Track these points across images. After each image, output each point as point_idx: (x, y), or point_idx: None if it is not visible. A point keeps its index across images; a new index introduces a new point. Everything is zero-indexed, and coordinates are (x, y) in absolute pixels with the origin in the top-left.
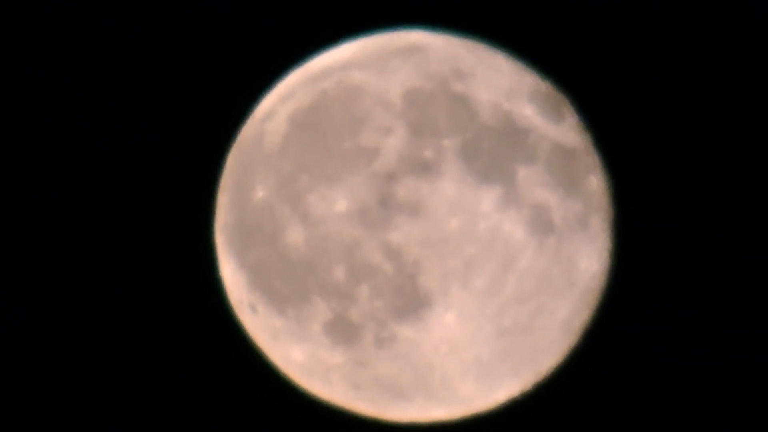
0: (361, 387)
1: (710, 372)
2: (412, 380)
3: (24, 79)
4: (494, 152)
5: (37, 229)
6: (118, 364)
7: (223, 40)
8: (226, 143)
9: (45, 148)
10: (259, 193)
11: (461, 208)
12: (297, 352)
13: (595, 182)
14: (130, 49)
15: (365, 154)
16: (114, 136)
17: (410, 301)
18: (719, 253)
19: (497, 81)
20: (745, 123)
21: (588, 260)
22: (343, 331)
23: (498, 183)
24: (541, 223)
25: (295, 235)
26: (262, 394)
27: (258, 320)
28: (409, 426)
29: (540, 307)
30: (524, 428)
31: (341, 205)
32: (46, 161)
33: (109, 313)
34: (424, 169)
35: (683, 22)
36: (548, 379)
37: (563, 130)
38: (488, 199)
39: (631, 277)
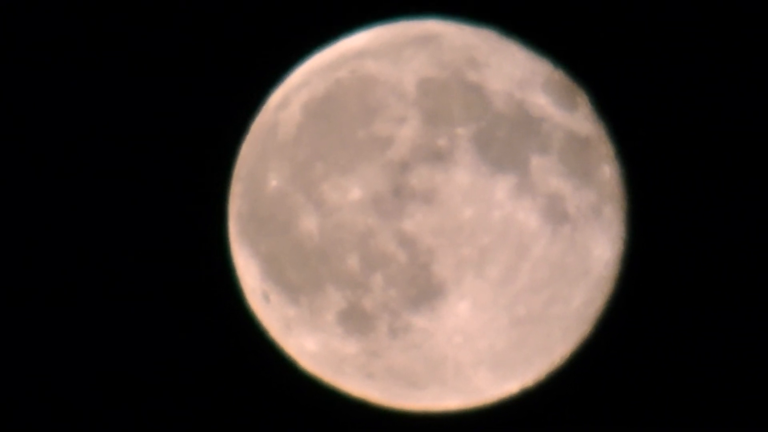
0: (375, 377)
1: (723, 360)
2: (425, 370)
3: (44, 76)
4: (508, 141)
5: (50, 218)
6: (129, 354)
7: (237, 29)
8: (241, 132)
9: (61, 140)
10: (273, 182)
11: (475, 197)
12: (310, 342)
13: (609, 171)
14: (143, 41)
15: (379, 143)
16: (129, 125)
17: (424, 290)
18: (732, 241)
19: (511, 70)
20: (760, 114)
21: (602, 249)
22: (356, 321)
23: (512, 172)
24: (555, 212)
25: (308, 224)
26: (275, 384)
27: (271, 309)
28: (422, 415)
29: (554, 296)
30: (538, 417)
31: (355, 193)
32: (63, 151)
33: (122, 302)
34: (438, 158)
35: (698, 11)
36: (562, 369)
37: (577, 119)
38: (502, 188)
39: (644, 266)
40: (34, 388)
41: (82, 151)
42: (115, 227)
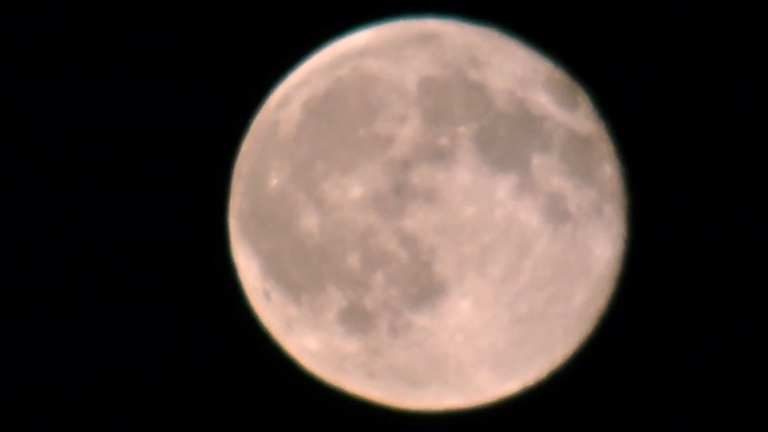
0: (376, 375)
1: (723, 360)
2: (426, 369)
3: (52, 77)
4: (509, 140)
5: (50, 218)
6: (129, 354)
7: (237, 29)
8: (241, 131)
9: (61, 140)
10: (274, 181)
11: (477, 195)
12: (312, 341)
13: (610, 170)
14: (143, 41)
15: (380, 141)
16: (129, 125)
17: (425, 288)
18: (733, 241)
19: (512, 69)
20: (761, 113)
21: (603, 247)
22: (357, 319)
23: (513, 171)
24: (557, 211)
25: (309, 223)
26: (276, 383)
27: (272, 308)
28: (423, 414)
29: (555, 295)
30: (539, 416)
31: (356, 192)
32: (63, 151)
33: (122, 302)
34: (440, 156)
35: (698, 11)
36: (563, 367)
37: (578, 117)
38: (503, 186)
39: (645, 264)
40: (34, 388)
41: (82, 151)
42: (116, 227)
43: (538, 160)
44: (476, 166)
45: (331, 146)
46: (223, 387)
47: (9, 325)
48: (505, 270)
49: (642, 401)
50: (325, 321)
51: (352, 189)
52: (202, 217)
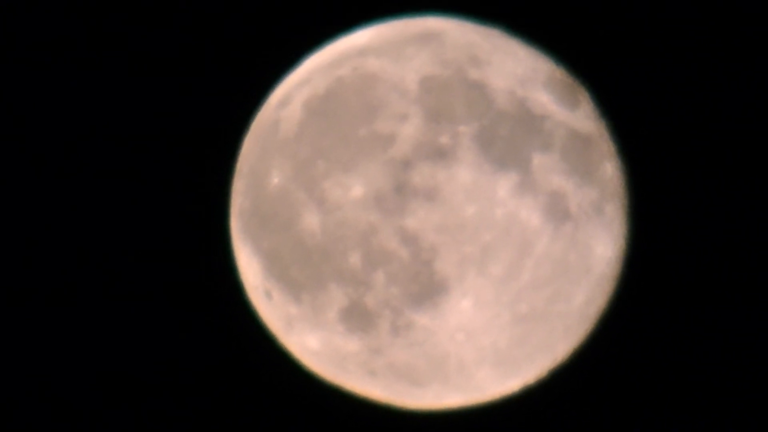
0: (377, 374)
1: (723, 360)
2: (427, 368)
3: (54, 76)
4: (510, 139)
5: (50, 218)
6: (129, 354)
7: (237, 29)
8: (241, 130)
9: (61, 140)
10: (275, 179)
11: (477, 194)
12: (312, 339)
13: (611, 169)
14: (143, 41)
15: (381, 140)
16: (129, 125)
17: (426, 287)
18: (734, 240)
19: (513, 68)
20: (761, 112)
21: (603, 247)
22: (358, 318)
23: (514, 170)
24: (557, 210)
25: (310, 222)
26: (276, 382)
27: (273, 307)
28: (424, 413)
29: (556, 294)
30: (540, 415)
31: (357, 191)
32: (63, 151)
33: (122, 302)
34: (440, 155)
35: (698, 10)
36: (564, 366)
37: (579, 116)
38: (504, 185)
39: (646, 264)
40: (34, 388)
41: (82, 151)
42: (116, 227)
43: (538, 160)
44: (477, 165)
45: (332, 145)
46: (223, 386)
47: (9, 325)
48: (506, 269)
49: (642, 401)
50: (326, 320)
51: (353, 188)
52: (202, 217)
